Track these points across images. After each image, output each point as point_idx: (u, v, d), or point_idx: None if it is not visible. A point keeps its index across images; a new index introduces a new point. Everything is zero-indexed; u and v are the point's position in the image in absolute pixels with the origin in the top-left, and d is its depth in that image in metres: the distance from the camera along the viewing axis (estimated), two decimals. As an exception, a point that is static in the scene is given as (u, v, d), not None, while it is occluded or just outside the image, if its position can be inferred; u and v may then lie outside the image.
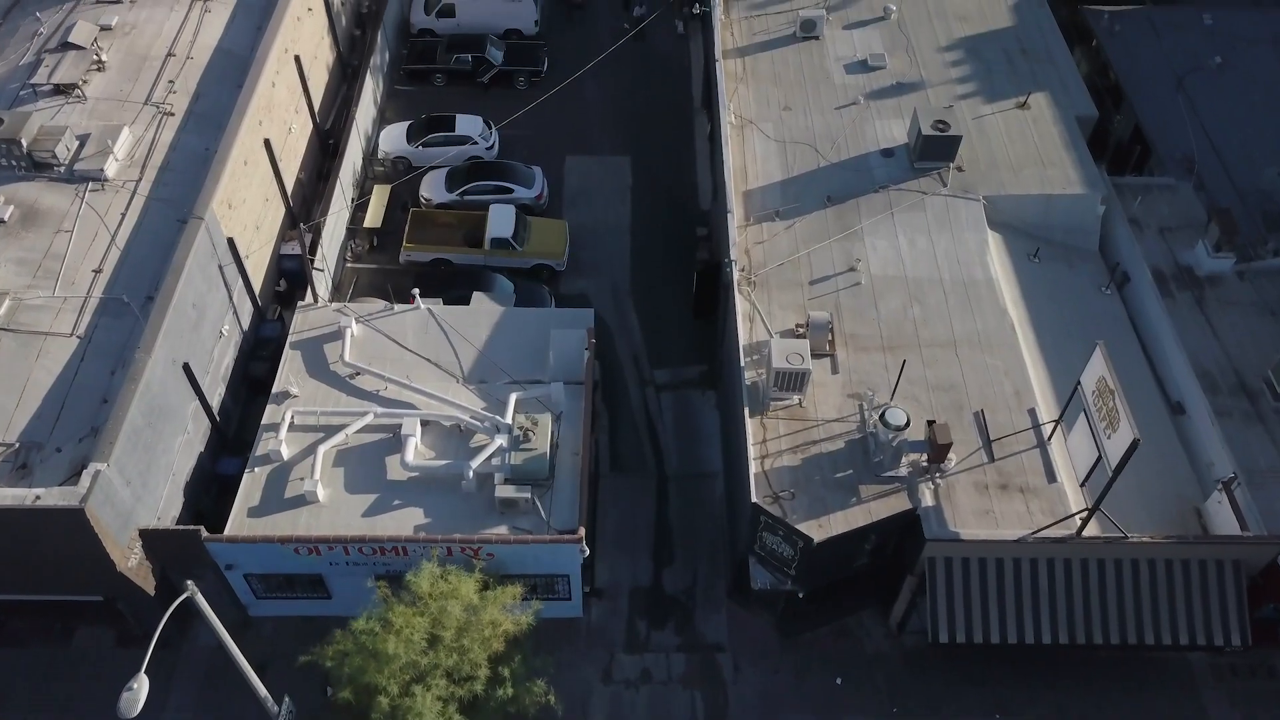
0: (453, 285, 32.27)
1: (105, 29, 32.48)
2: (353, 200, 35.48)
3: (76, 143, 28.75)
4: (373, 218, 34.73)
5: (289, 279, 32.58)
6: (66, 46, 31.28)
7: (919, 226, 29.57)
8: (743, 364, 25.98)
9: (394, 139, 37.42)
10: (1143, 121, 35.18)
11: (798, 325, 27.06)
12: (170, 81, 31.40)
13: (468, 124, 37.33)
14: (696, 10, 38.25)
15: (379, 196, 35.39)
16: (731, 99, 33.29)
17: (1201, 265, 29.74)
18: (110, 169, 28.37)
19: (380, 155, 37.43)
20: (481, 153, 37.19)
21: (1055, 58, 34.77)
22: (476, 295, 30.93)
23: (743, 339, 26.74)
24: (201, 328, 26.83)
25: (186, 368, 25.74)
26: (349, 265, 34.60)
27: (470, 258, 33.74)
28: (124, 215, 27.74)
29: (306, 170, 35.48)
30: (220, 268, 27.99)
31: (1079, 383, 23.03)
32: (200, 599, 17.57)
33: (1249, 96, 35.10)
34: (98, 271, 26.40)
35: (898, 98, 33.37)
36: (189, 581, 17.73)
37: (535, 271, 34.14)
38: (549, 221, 34.96)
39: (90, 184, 28.18)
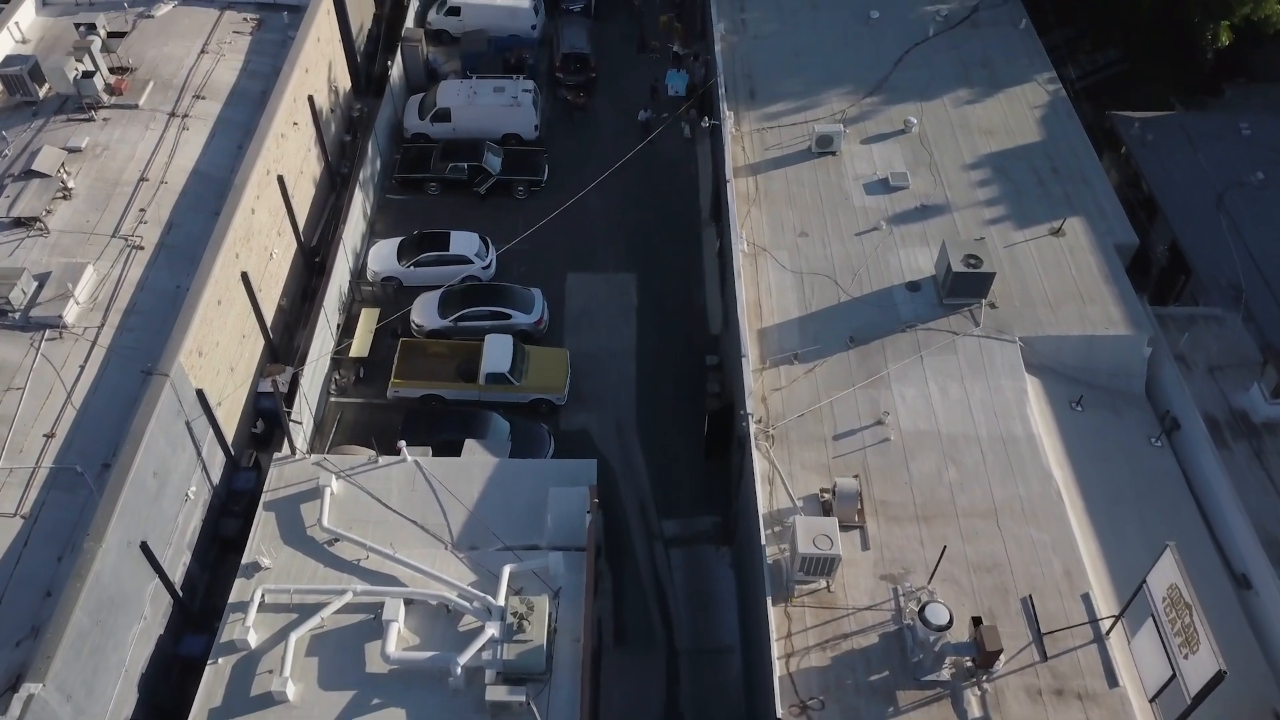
0: (444, 426, 29.85)
1: (74, 151, 30.31)
2: (338, 327, 33.14)
3: (35, 284, 26.42)
4: (359, 346, 32.37)
5: (266, 419, 30.13)
6: (30, 174, 29.08)
7: (951, 372, 27.14)
8: (763, 540, 23.41)
9: (383, 258, 35.15)
10: (1182, 243, 32.98)
11: (822, 491, 24.54)
12: (141, 210, 29.16)
13: (463, 242, 35.10)
14: (707, 123, 36.21)
15: (366, 322, 33.06)
16: (743, 224, 31.07)
17: (1258, 411, 27.30)
18: (70, 314, 26.00)
19: (369, 275, 35.15)
20: (478, 272, 34.91)
21: (1089, 177, 32.56)
22: (469, 444, 28.41)
23: (762, 507, 24.20)
24: (164, 497, 24.31)
25: (145, 547, 23.18)
26: (333, 400, 32.15)
27: (464, 393, 31.32)
28: (82, 368, 25.31)
29: (289, 294, 33.20)
30: (187, 424, 25.55)
31: (1145, 582, 20.44)
32: None
33: (1296, 217, 32.99)
34: (49, 436, 23.89)
35: (922, 222, 31.13)
36: None
37: (534, 405, 31.71)
38: (549, 351, 32.60)
39: (47, 332, 25.80)
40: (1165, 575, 19.73)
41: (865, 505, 24.31)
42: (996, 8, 39.74)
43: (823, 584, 22.80)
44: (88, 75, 31.24)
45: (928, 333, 28.04)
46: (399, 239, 35.68)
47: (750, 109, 35.31)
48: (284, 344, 32.33)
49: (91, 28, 33.02)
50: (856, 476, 24.61)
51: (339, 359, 32.61)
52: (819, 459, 25.45)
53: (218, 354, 27.51)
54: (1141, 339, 27.87)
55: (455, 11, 45.25)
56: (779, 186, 32.56)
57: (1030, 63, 37.17)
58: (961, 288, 28.20)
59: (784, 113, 35.28)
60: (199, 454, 26.21)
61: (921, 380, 26.99)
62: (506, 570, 24.14)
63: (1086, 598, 22.80)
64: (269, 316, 31.03)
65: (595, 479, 26.32)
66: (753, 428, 25.73)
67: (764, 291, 29.33)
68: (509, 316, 33.19)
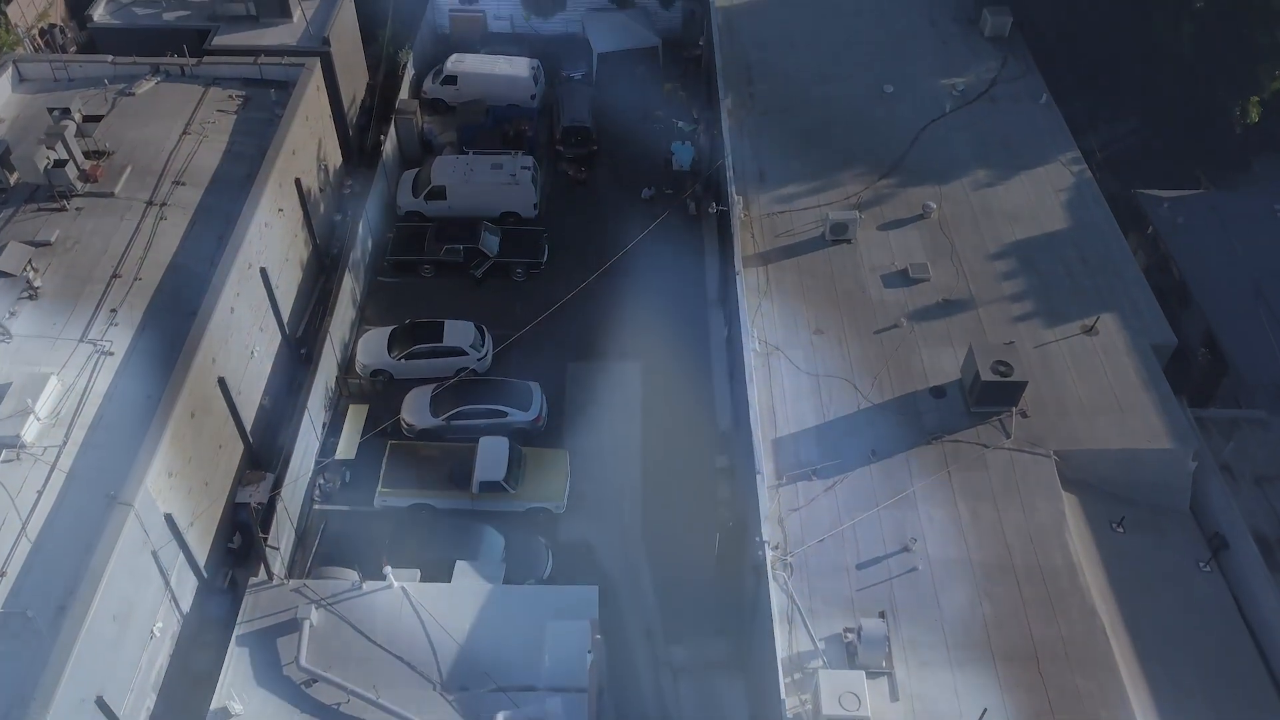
0: (433, 543, 27.72)
1: (43, 245, 28.56)
2: (324, 426, 31.15)
3: (-8, 399, 24.55)
4: (345, 448, 30.37)
5: (244, 532, 28.07)
6: (-7, 275, 27.34)
7: (981, 492, 25.12)
8: (783, 692, 21.28)
9: (373, 350, 33.18)
10: (1220, 337, 31.09)
11: (846, 631, 22.42)
12: (113, 310, 27.31)
13: (458, 332, 33.14)
14: (714, 209, 34.44)
15: (354, 420, 31.13)
16: (754, 320, 29.16)
17: (1312, 529, 25.33)
18: (29, 433, 24.05)
19: (358, 368, 33.17)
20: (473, 364, 32.95)
21: (1120, 269, 30.68)
22: (460, 565, 26.33)
23: (781, 650, 22.07)
24: (125, 640, 22.26)
25: (101, 702, 21.05)
26: (316, 507, 30.05)
27: (456, 503, 29.25)
28: (40, 493, 23.34)
29: (272, 392, 31.28)
30: (154, 554, 23.52)
31: (1213, 760, 18.34)
32: None
33: (1340, 309, 31.12)
34: (0, 575, 21.89)
35: (946, 319, 29.23)
36: None
37: (531, 514, 29.63)
38: (547, 454, 30.55)
39: (3, 453, 23.83)
40: (1238, 759, 17.63)
41: (893, 647, 22.19)
42: (1015, 81, 38.20)
43: (849, 744, 20.65)
44: (59, 164, 29.49)
45: (955, 445, 26.07)
46: (389, 329, 33.72)
47: (759, 191, 33.55)
48: (265, 444, 30.33)
49: (65, 112, 31.33)
50: (882, 614, 22.51)
51: (323, 462, 30.53)
52: (841, 591, 23.37)
53: (190, 470, 25.54)
54: (1186, 453, 25.87)
55: (452, 80, 43.68)
56: (791, 277, 30.72)
57: (1053, 141, 35.50)
58: (990, 396, 26.29)
59: (795, 195, 33.52)
60: (167, 584, 24.19)
61: (950, 500, 24.98)
62: (500, 718, 22.03)
63: (1141, 760, 20.68)
64: (249, 420, 29.11)
65: (596, 611, 24.28)
66: (769, 556, 23.69)
67: (778, 397, 27.39)
68: (505, 415, 31.18)
